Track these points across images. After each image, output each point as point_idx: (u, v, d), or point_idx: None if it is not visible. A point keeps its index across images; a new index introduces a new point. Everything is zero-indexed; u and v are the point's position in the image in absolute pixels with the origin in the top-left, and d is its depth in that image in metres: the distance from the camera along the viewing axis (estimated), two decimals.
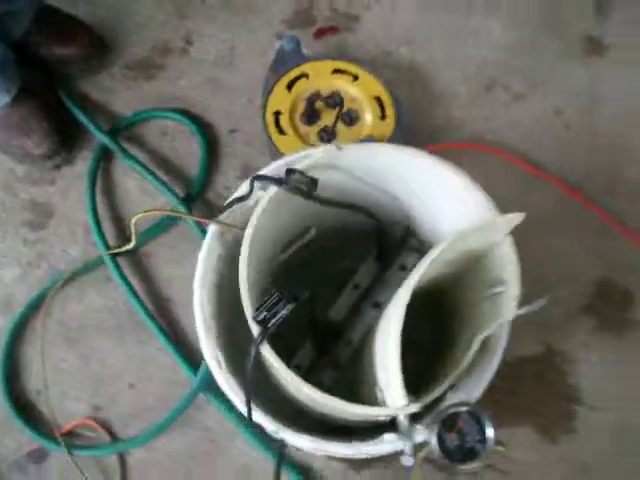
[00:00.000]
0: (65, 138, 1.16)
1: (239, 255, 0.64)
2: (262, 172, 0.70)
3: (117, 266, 1.08)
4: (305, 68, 1.16)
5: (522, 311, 0.62)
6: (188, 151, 1.20)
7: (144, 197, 1.16)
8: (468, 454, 0.60)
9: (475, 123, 1.24)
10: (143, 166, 1.15)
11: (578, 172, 1.19)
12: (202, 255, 0.73)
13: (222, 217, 0.73)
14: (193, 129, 1.20)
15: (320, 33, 1.30)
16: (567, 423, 1.05)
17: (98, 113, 1.22)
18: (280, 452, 0.71)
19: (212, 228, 0.73)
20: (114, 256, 1.09)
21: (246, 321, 0.61)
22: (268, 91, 1.14)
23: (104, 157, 1.18)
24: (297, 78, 1.16)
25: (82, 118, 1.18)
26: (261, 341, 0.57)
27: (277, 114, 1.13)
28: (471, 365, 0.64)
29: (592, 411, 1.05)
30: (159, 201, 1.15)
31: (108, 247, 1.10)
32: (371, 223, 0.75)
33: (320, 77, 1.16)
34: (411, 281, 0.57)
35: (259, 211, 0.64)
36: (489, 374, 0.67)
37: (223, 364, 0.66)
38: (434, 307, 0.78)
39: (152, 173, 1.15)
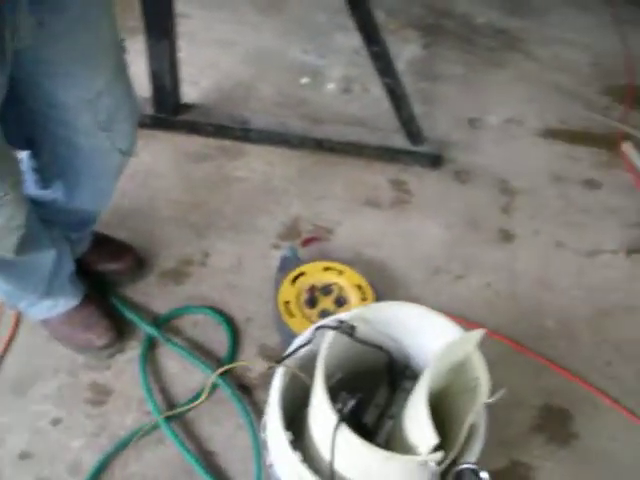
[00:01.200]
0: (119, 332, 1.48)
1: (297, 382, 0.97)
2: (321, 323, 1.05)
3: (170, 428, 1.35)
4: (303, 268, 1.58)
5: (491, 400, 0.97)
6: (215, 337, 1.53)
7: (184, 374, 1.46)
8: None
9: (428, 298, 1.64)
10: (183, 349, 1.47)
11: (510, 327, 1.59)
12: (274, 388, 1.04)
13: (286, 362, 1.05)
14: (218, 320, 1.55)
15: (306, 242, 1.73)
16: None
17: (141, 311, 1.56)
18: None
19: (279, 370, 1.05)
20: (167, 420, 1.36)
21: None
22: (278, 287, 1.53)
23: (150, 344, 1.50)
24: (298, 276, 1.56)
25: (131, 316, 1.52)
26: (339, 423, 0.88)
27: (287, 303, 1.50)
28: (467, 439, 0.96)
29: None
30: (197, 376, 1.45)
31: (159, 413, 1.37)
32: (384, 359, 1.10)
33: (315, 274, 1.57)
34: (427, 375, 0.91)
35: (325, 347, 0.97)
36: (478, 445, 0.98)
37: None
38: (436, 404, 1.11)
39: (190, 354, 1.47)
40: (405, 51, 2.36)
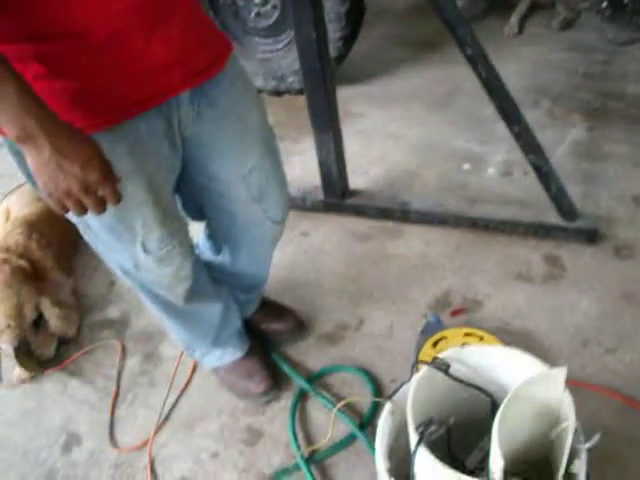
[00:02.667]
0: (276, 382, 1.67)
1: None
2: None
3: (309, 470, 1.48)
4: (444, 333, 1.66)
5: (587, 445, 0.98)
6: (361, 392, 1.65)
7: (329, 425, 1.58)
8: None
9: (574, 369, 1.59)
10: (330, 402, 1.62)
11: None
12: (381, 423, 1.14)
13: (394, 398, 1.15)
14: (365, 379, 1.68)
15: (455, 312, 1.81)
16: None
17: (297, 367, 1.74)
18: None
19: (387, 406, 1.16)
20: (307, 463, 1.49)
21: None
22: (419, 349, 1.63)
23: (301, 396, 1.66)
24: (439, 340, 1.64)
25: (287, 369, 1.71)
26: (419, 443, 0.96)
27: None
28: None
29: None
30: (340, 428, 1.57)
31: (302, 457, 1.51)
32: (488, 404, 1.14)
33: (455, 339, 1.64)
34: (504, 403, 0.96)
35: (418, 377, 1.07)
36: None
37: None
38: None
39: (340, 410, 1.59)
40: (569, 135, 2.40)
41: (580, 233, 1.92)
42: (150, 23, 0.97)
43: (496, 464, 0.91)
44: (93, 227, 1.18)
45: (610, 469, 1.37)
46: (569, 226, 1.92)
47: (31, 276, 1.91)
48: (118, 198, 0.98)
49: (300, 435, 1.58)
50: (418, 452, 0.97)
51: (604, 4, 2.18)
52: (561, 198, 1.87)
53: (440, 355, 1.10)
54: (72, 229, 1.26)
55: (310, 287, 1.99)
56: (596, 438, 1.00)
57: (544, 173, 1.82)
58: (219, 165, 1.29)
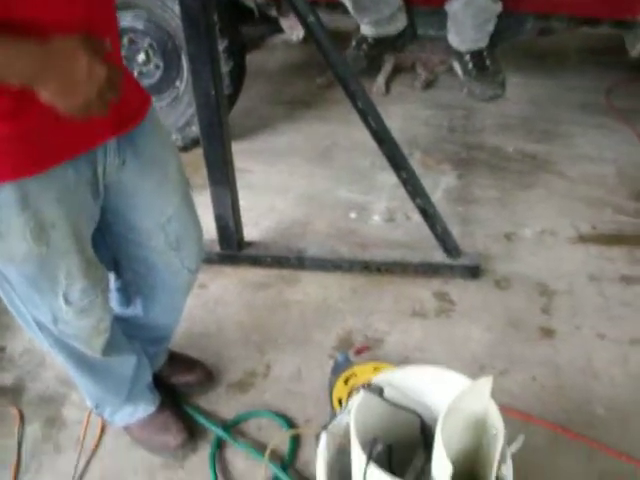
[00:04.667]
0: (191, 434, 1.64)
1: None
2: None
3: None
4: (354, 370, 1.72)
5: (512, 449, 1.07)
6: (278, 436, 1.66)
7: (251, 470, 1.58)
8: None
9: None
10: (249, 448, 1.61)
11: (559, 415, 1.66)
12: (320, 452, 1.17)
13: (330, 428, 1.19)
14: (280, 422, 1.69)
15: (359, 351, 1.89)
16: None
17: (211, 417, 1.71)
18: None
19: (324, 437, 1.19)
20: None
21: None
22: (332, 387, 1.68)
23: (219, 446, 1.64)
24: (350, 377, 1.70)
25: (202, 420, 1.68)
26: (368, 462, 1.00)
27: (340, 400, 1.64)
28: None
29: None
30: (262, 472, 1.56)
31: None
32: (417, 423, 1.21)
33: (365, 374, 1.70)
34: (441, 419, 1.03)
35: (357, 403, 1.12)
36: None
37: None
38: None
39: (258, 452, 1.59)
40: (441, 183, 2.62)
41: (464, 269, 2.09)
42: None
43: (443, 471, 0.97)
44: (12, 280, 1.14)
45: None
46: (454, 263, 2.09)
47: None
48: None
49: None
50: (369, 471, 1.01)
51: (469, 66, 2.45)
52: (446, 237, 2.03)
53: (373, 380, 1.16)
54: None
55: (213, 338, 1.98)
56: (520, 441, 1.10)
57: (430, 215, 1.98)
58: (139, 214, 1.30)
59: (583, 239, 2.32)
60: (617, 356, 1.85)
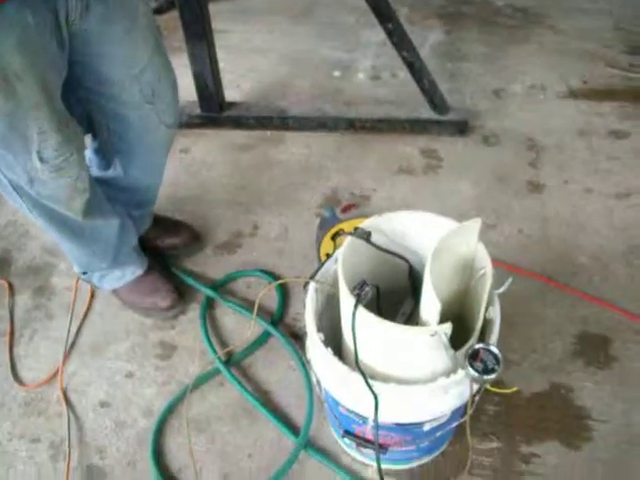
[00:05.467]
0: (181, 295, 1.65)
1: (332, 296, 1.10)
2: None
3: (229, 371, 1.49)
4: (341, 225, 1.71)
5: (500, 290, 1.07)
6: (267, 297, 1.68)
7: (240, 328, 1.61)
8: (490, 371, 0.99)
9: None
10: (239, 306, 1.63)
11: (545, 265, 1.67)
12: (308, 300, 1.17)
13: (317, 277, 1.19)
14: (269, 280, 1.70)
15: (345, 209, 1.87)
16: (584, 434, 1.38)
17: (200, 278, 1.72)
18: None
19: (312, 285, 1.19)
20: (226, 366, 1.50)
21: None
22: (319, 243, 1.67)
23: (208, 305, 1.66)
24: (337, 232, 1.69)
25: (190, 281, 1.69)
26: (357, 304, 1.00)
27: (327, 255, 1.63)
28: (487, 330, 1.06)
29: (601, 422, 1.39)
30: (252, 329, 1.59)
31: (220, 360, 1.52)
32: (406, 270, 1.21)
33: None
34: (429, 260, 1.02)
35: (343, 249, 1.11)
36: (495, 333, 1.08)
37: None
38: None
39: (247, 309, 1.61)
40: (429, 39, 2.51)
41: (452, 125, 2.04)
42: None
43: (432, 309, 0.97)
44: None
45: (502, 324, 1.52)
46: (442, 119, 2.03)
47: None
48: None
49: (214, 342, 1.58)
50: (357, 313, 1.01)
51: None
52: (433, 92, 1.96)
53: (360, 225, 1.14)
54: None
55: (199, 201, 1.96)
56: (508, 283, 1.09)
57: (417, 69, 1.90)
58: (110, 65, 1.22)
59: (573, 94, 2.26)
60: (603, 209, 1.85)
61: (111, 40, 1.19)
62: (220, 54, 2.05)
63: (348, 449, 1.38)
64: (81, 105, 1.33)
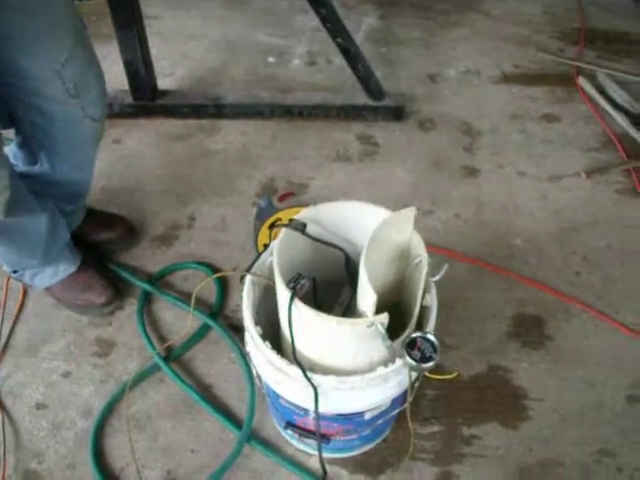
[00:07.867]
0: (117, 290, 1.61)
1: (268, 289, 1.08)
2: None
3: (169, 366, 1.47)
4: (279, 214, 1.70)
5: (436, 278, 1.08)
6: (206, 289, 1.65)
7: (179, 322, 1.58)
8: (427, 359, 1.00)
9: None
10: (176, 299, 1.60)
11: (481, 249, 1.70)
12: (245, 293, 1.15)
13: (253, 269, 1.17)
14: (206, 272, 1.67)
15: (283, 197, 1.85)
16: (521, 413, 1.42)
17: (136, 272, 1.68)
18: None
19: (248, 278, 1.17)
20: (166, 361, 1.48)
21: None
22: (257, 233, 1.65)
23: (146, 300, 1.62)
24: (275, 222, 1.67)
25: (126, 275, 1.65)
26: (293, 297, 0.99)
27: (265, 246, 1.62)
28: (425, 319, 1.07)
29: (537, 401, 1.42)
30: (191, 322, 1.56)
31: (159, 355, 1.49)
32: (342, 260, 1.21)
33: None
34: (365, 249, 1.02)
35: (278, 241, 1.09)
36: (432, 320, 1.09)
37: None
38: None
39: (185, 302, 1.59)
40: (363, 24, 2.51)
41: (388, 111, 2.04)
42: None
43: (367, 301, 0.97)
44: None
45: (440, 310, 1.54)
46: (377, 105, 2.03)
47: None
48: None
49: (153, 337, 1.55)
50: (293, 307, 1.00)
51: None
52: (369, 78, 1.96)
53: (295, 217, 1.13)
54: None
55: (133, 193, 1.91)
56: (444, 270, 1.10)
57: (352, 55, 1.89)
58: (29, 59, 1.17)
59: (506, 78, 2.30)
60: (536, 192, 1.89)
61: (29, 32, 1.13)
62: (152, 41, 2.00)
63: (291, 440, 1.38)
64: (1, 100, 1.27)
